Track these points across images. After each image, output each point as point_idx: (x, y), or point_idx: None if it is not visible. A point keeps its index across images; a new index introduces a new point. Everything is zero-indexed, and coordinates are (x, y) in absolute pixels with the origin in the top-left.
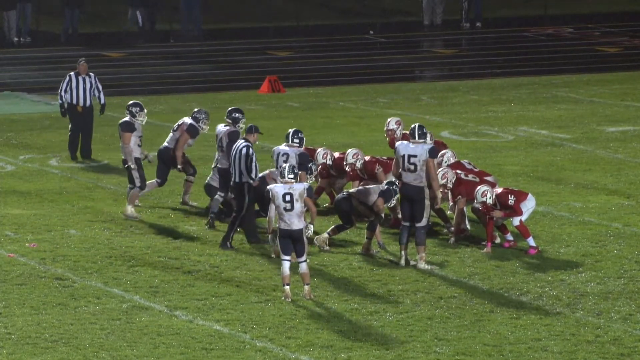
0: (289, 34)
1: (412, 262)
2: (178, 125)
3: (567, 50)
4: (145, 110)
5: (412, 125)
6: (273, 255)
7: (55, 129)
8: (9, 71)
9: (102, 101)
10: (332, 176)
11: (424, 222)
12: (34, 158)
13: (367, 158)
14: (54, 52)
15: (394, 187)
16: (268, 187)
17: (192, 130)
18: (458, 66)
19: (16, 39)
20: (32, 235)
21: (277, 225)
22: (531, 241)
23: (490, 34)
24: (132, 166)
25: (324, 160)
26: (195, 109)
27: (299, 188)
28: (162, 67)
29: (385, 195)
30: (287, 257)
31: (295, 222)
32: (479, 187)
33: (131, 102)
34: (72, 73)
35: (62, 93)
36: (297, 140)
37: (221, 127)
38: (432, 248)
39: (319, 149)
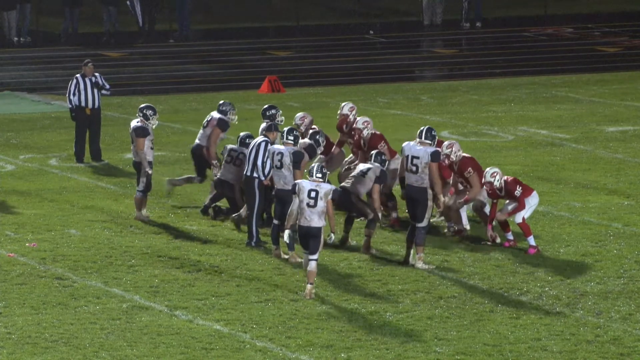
0: (288, 34)
1: (411, 262)
2: (207, 121)
3: (567, 50)
4: (157, 114)
5: (422, 127)
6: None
7: (55, 128)
8: (9, 71)
9: (107, 87)
10: (343, 133)
11: (424, 223)
12: (34, 158)
13: (375, 131)
14: (54, 52)
15: (383, 157)
16: (295, 181)
17: (222, 124)
18: (458, 66)
19: (16, 38)
20: (32, 235)
21: (297, 222)
22: (531, 240)
23: (490, 33)
24: (150, 172)
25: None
26: (220, 102)
27: (325, 188)
28: (162, 67)
29: (381, 179)
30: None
31: (315, 219)
32: (488, 168)
33: (144, 104)
34: (78, 75)
35: (71, 97)
36: (291, 138)
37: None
38: (432, 248)
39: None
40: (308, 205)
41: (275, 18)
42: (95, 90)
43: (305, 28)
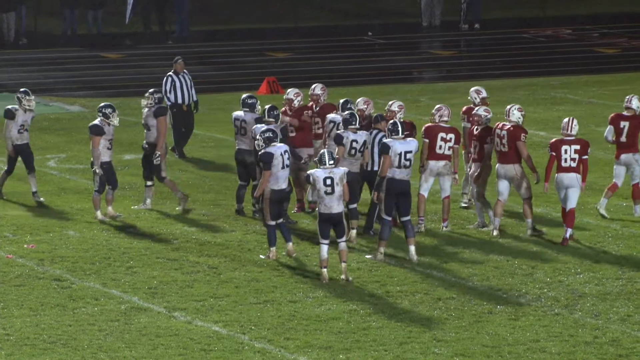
0: (287, 35)
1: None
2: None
3: (566, 52)
4: (117, 112)
5: (393, 121)
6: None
7: (53, 130)
8: (8, 72)
9: (195, 98)
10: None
11: (410, 215)
12: None
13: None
14: (53, 53)
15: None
16: (308, 172)
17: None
18: (457, 67)
19: (15, 38)
20: (30, 236)
21: (317, 209)
22: (568, 232)
23: (488, 35)
24: (98, 171)
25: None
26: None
27: (339, 172)
28: (161, 69)
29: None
30: (326, 241)
31: (335, 205)
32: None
33: (103, 103)
34: (170, 73)
35: (168, 95)
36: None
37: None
38: (432, 248)
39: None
40: (326, 192)
41: (274, 19)
42: (188, 86)
43: (303, 29)
